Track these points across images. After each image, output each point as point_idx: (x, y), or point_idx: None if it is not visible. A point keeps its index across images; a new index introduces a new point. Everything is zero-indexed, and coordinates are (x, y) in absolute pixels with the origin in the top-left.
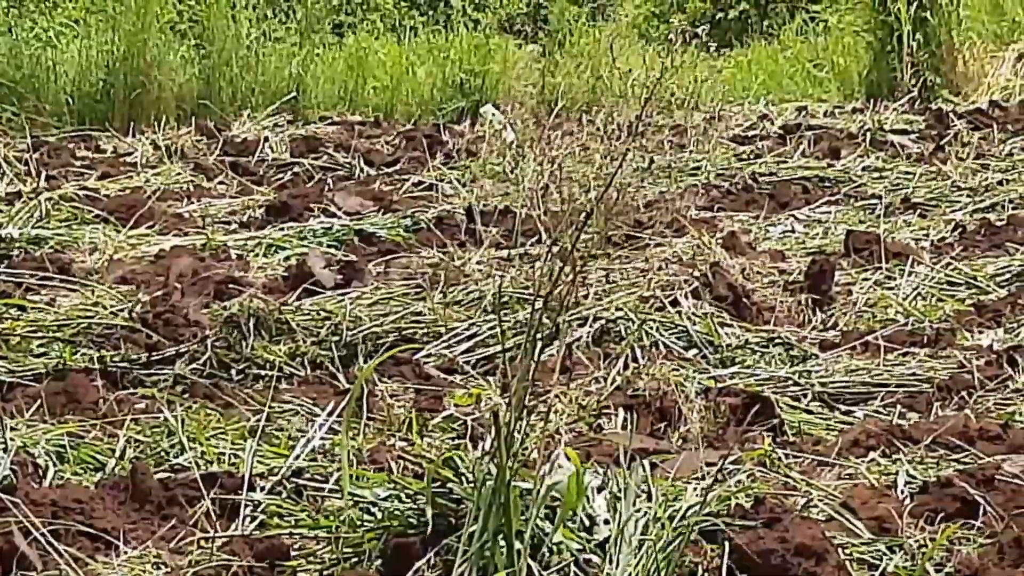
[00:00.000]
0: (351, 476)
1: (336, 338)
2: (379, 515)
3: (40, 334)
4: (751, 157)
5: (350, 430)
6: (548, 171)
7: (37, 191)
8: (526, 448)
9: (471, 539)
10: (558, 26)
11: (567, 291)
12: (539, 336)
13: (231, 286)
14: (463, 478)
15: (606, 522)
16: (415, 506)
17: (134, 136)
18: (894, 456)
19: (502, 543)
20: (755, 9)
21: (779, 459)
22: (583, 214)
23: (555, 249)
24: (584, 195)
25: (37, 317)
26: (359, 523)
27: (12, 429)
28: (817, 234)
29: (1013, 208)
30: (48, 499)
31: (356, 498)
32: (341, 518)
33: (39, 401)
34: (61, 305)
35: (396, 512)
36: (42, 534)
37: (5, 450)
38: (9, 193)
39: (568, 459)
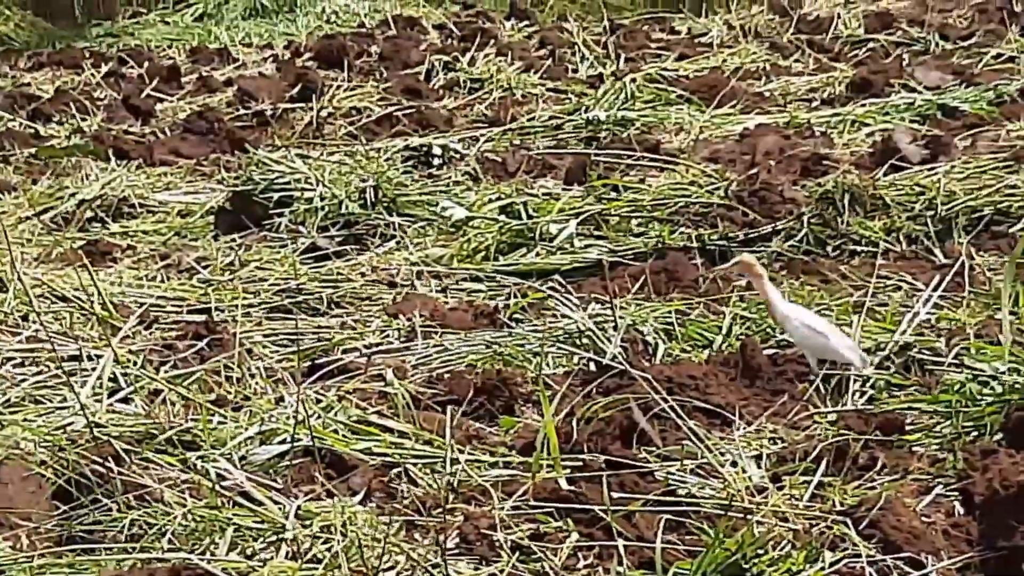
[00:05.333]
0: (966, 350)
1: (931, 212)
2: (999, 388)
3: (637, 214)
4: None
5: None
6: None
7: (620, 74)
8: None
9: None
10: None
11: None
12: None
13: (819, 163)
14: None
15: None
16: None
17: (707, 17)
18: None
19: None
20: None
21: None
22: None
23: None
24: None
25: (633, 198)
26: (978, 396)
27: (620, 307)
28: None
29: None
30: (663, 375)
31: (973, 371)
32: (959, 391)
33: (642, 279)
34: (652, 185)
35: (1017, 385)
36: (661, 409)
37: (615, 328)
38: (590, 76)
39: None
